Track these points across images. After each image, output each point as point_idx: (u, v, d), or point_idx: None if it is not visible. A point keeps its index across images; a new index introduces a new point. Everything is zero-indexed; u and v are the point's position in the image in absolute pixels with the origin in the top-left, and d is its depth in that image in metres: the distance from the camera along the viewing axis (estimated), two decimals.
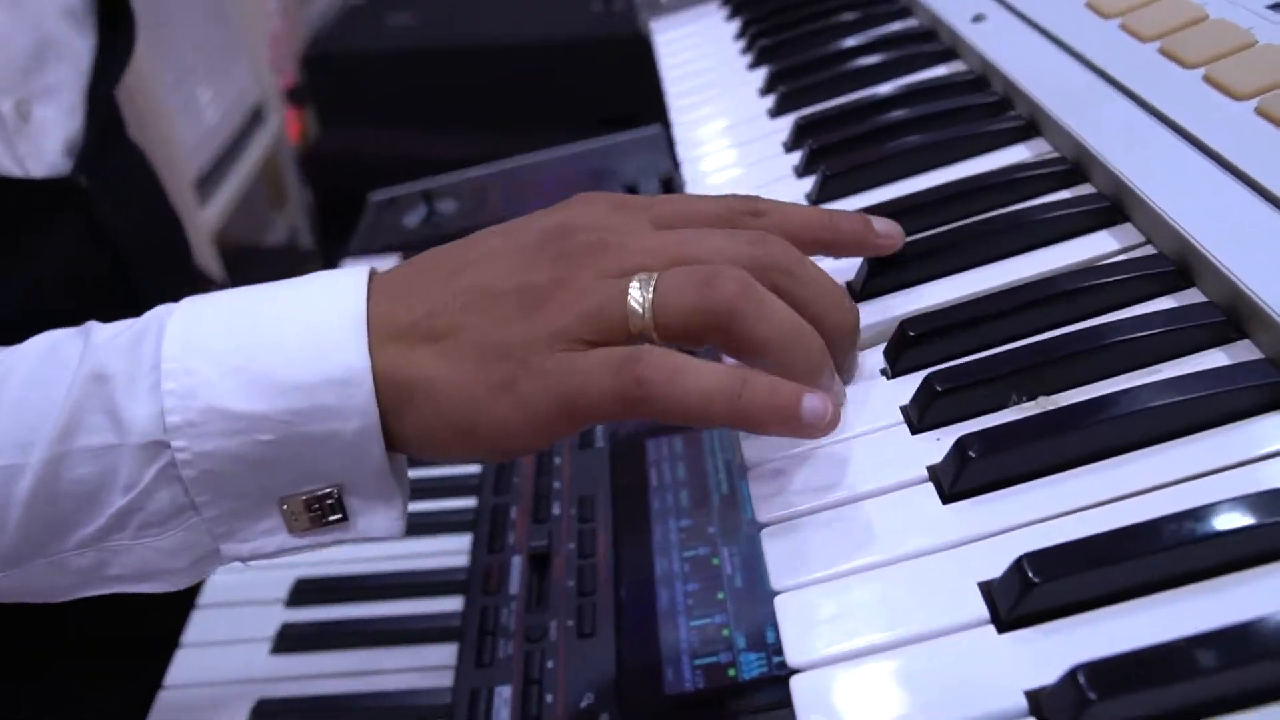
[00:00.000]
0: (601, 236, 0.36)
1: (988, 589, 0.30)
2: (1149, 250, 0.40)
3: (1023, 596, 0.28)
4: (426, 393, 0.34)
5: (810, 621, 0.31)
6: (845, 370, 0.39)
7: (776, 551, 0.33)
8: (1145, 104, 0.45)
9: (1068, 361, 0.35)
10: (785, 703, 0.29)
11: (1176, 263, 0.38)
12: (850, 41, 0.65)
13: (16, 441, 0.34)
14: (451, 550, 0.64)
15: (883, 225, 0.42)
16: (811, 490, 0.35)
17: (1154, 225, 0.39)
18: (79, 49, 0.63)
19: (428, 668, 0.57)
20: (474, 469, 0.68)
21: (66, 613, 0.54)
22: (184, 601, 0.63)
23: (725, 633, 0.52)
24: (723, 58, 0.71)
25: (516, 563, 0.60)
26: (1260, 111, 0.41)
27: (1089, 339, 0.36)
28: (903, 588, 0.31)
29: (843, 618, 0.30)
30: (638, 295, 0.33)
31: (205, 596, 0.64)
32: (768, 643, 0.51)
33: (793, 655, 0.30)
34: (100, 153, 0.64)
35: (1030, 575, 0.28)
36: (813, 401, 0.32)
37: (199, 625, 0.62)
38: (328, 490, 0.35)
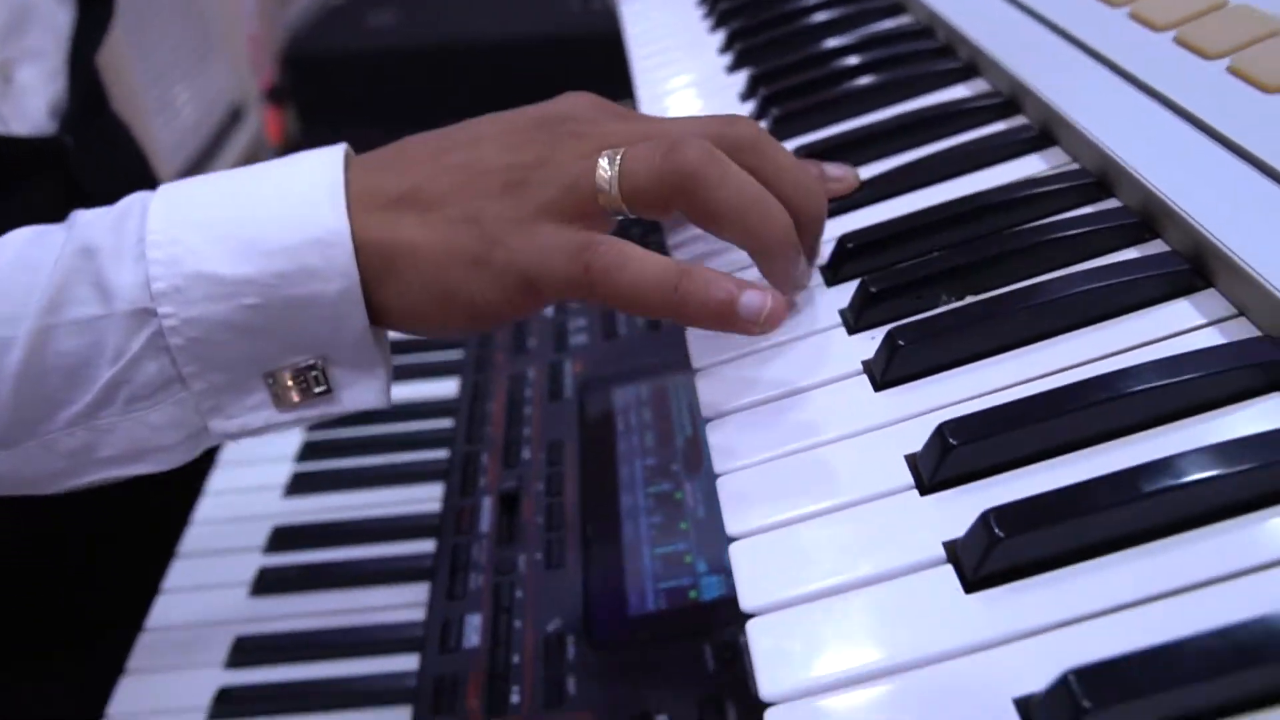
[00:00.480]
0: (582, 125, 0.38)
1: (914, 460, 0.32)
2: (1074, 168, 0.42)
3: (942, 460, 0.31)
4: (408, 259, 0.35)
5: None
6: (811, 255, 0.40)
7: (720, 448, 0.35)
8: (1071, 38, 0.47)
9: (993, 263, 0.38)
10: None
11: (1097, 175, 0.40)
12: (803, 3, 0.67)
13: (3, 317, 0.35)
14: (425, 499, 0.66)
15: (836, 169, 0.44)
16: (754, 386, 0.37)
17: (1078, 145, 0.42)
18: (59, 16, 0.65)
19: (402, 605, 0.59)
20: (447, 404, 0.70)
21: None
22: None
23: (688, 559, 0.54)
24: (685, 23, 0.74)
25: (487, 504, 0.62)
26: (1178, 40, 0.44)
27: (1012, 241, 0.38)
28: (841, 468, 0.33)
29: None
30: (605, 167, 0.35)
31: (186, 545, 0.65)
32: (728, 566, 0.53)
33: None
34: (84, 118, 0.66)
35: (949, 439, 0.30)
36: (750, 297, 0.34)
37: (179, 572, 0.64)
38: (311, 362, 0.36)
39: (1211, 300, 0.34)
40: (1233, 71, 0.40)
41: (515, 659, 0.51)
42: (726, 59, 0.65)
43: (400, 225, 0.36)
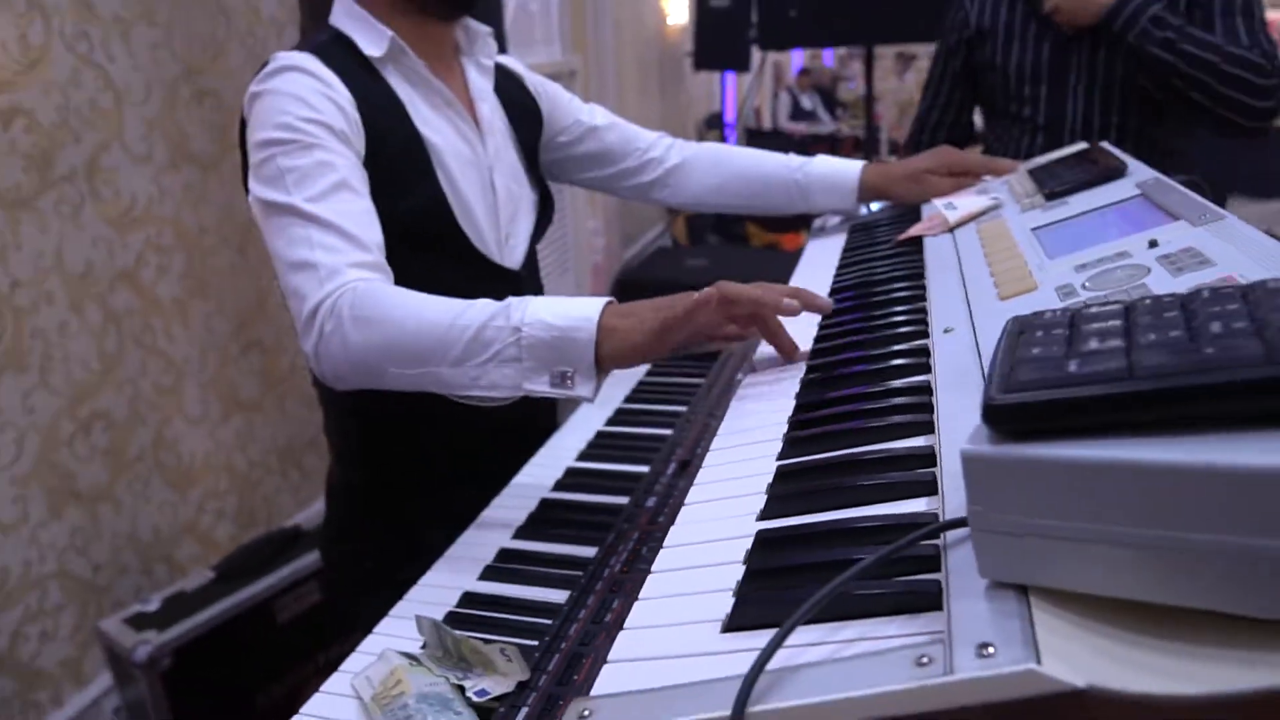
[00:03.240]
0: (695, 297, 0.86)
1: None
2: None
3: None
4: (613, 332, 0.84)
5: None
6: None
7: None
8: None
9: None
10: None
11: None
12: None
13: (466, 322, 0.84)
14: None
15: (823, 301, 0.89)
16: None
17: None
18: (531, 202, 1.22)
19: None
20: None
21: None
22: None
23: None
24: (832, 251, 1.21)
25: None
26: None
27: None
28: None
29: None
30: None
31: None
32: None
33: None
34: (530, 265, 1.23)
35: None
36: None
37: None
38: (569, 370, 0.85)
39: None
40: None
41: None
42: None
43: (617, 322, 0.84)
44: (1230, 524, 0.30)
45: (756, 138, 7.68)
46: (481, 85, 1.12)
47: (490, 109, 1.12)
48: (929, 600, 0.39)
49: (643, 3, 5.58)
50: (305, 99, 0.92)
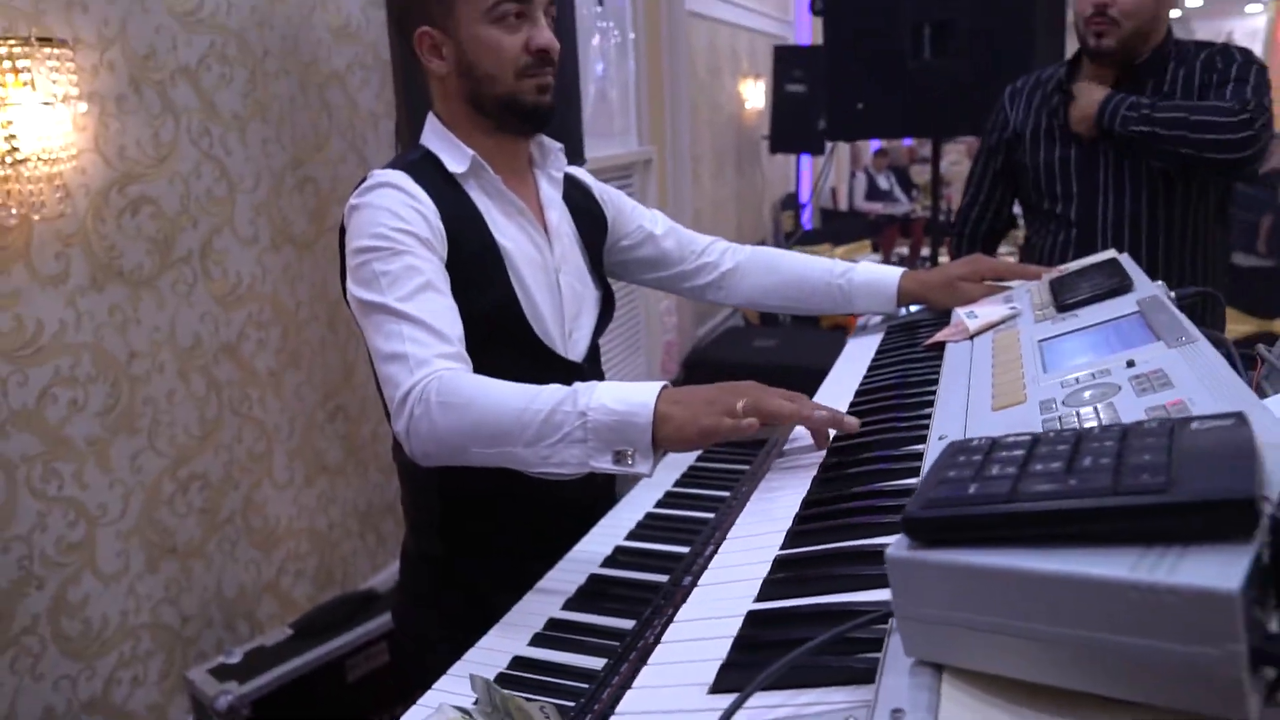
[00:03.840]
0: (742, 391, 0.95)
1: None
2: None
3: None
4: (667, 418, 0.94)
5: None
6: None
7: None
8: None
9: None
10: None
11: None
12: None
13: (539, 406, 0.96)
14: None
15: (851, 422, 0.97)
16: None
17: None
18: (592, 305, 1.34)
19: None
20: None
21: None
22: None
23: None
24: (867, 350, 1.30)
25: None
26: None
27: None
28: None
29: None
30: (742, 405, 0.93)
31: None
32: None
33: None
34: (592, 356, 1.33)
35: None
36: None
37: None
38: (629, 450, 0.94)
39: None
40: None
41: None
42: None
43: (670, 409, 0.94)
44: (1081, 621, 0.38)
45: (832, 218, 7.80)
46: (551, 194, 1.25)
47: (558, 216, 1.25)
48: (868, 674, 0.47)
49: (720, 89, 5.79)
50: (396, 211, 1.06)
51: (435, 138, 1.19)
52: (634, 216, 1.39)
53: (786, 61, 5.70)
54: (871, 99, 3.16)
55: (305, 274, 2.36)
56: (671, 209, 4.22)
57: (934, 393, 0.92)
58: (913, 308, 1.38)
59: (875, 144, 8.84)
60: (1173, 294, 1.07)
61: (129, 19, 1.86)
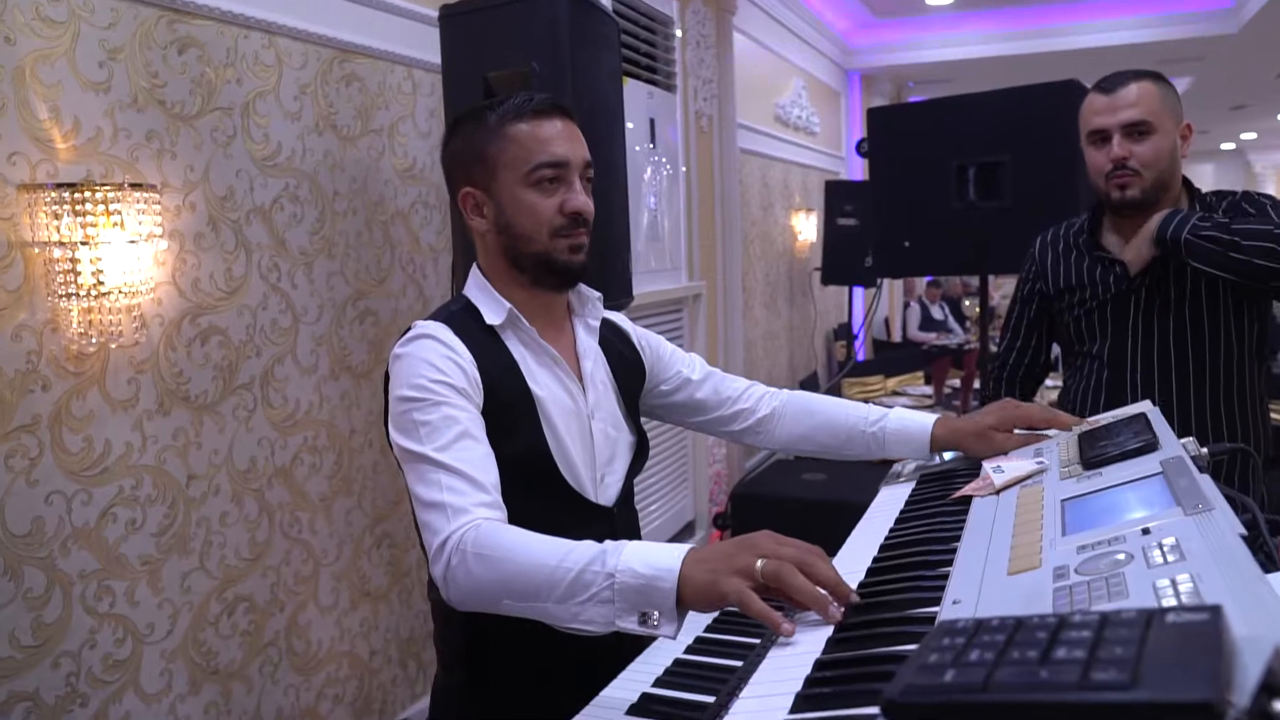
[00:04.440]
0: (760, 548, 0.95)
1: None
2: None
3: None
4: (690, 581, 0.94)
5: None
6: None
7: None
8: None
9: None
10: None
11: None
12: None
13: (570, 565, 0.97)
14: None
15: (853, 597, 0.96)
16: None
17: None
18: (626, 450, 1.37)
19: None
20: None
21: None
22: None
23: None
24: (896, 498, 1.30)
25: None
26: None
27: None
28: None
29: None
30: (760, 566, 0.92)
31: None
32: None
33: None
34: (624, 500, 1.36)
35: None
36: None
37: None
38: (653, 612, 0.94)
39: None
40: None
41: None
42: None
43: (693, 570, 0.95)
44: None
45: (884, 348, 7.81)
46: (587, 342, 1.31)
47: (593, 364, 1.30)
48: None
49: (773, 223, 5.94)
50: (434, 363, 1.12)
51: (476, 289, 1.26)
52: (672, 362, 1.44)
53: (838, 196, 5.84)
54: (917, 237, 3.23)
55: (362, 401, 2.44)
56: (722, 342, 4.28)
57: (954, 551, 0.92)
58: (947, 455, 1.39)
59: (929, 275, 8.92)
60: (1205, 450, 1.07)
61: (213, 164, 2.02)
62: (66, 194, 1.66)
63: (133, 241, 1.75)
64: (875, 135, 3.40)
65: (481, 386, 1.16)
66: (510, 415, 1.18)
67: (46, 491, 1.71)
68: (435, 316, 1.22)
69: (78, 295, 1.71)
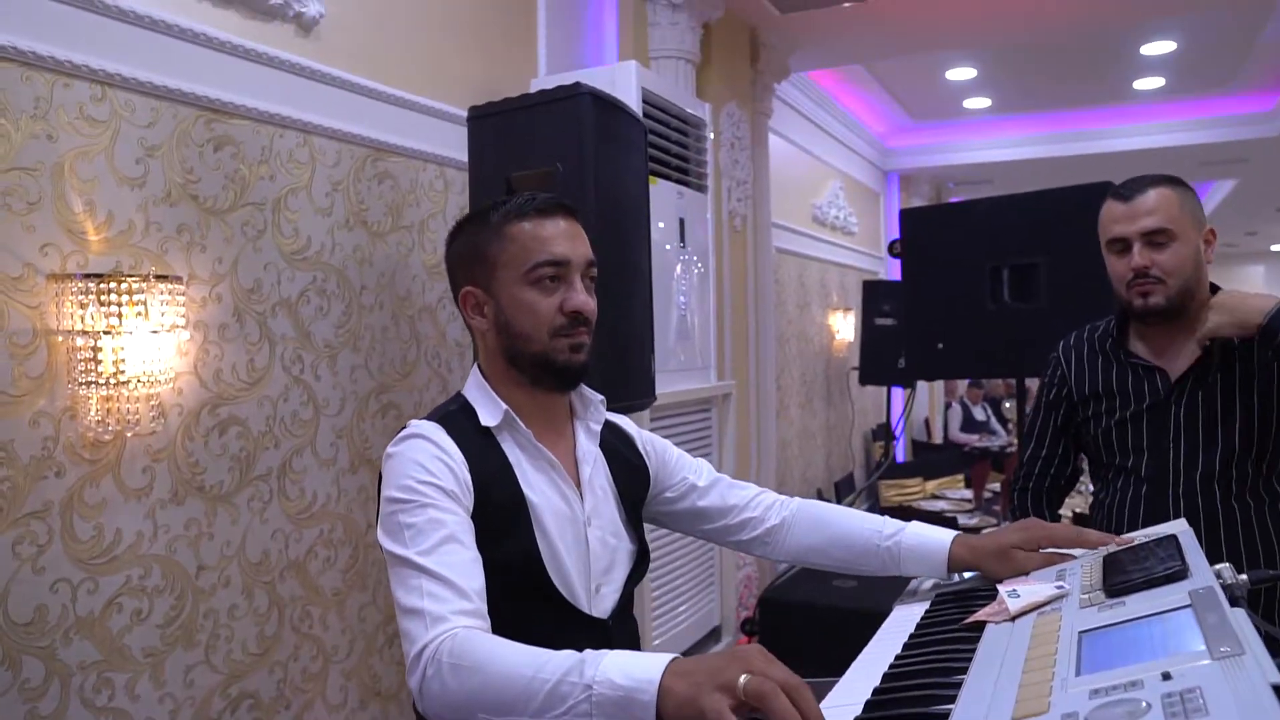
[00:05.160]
0: (746, 663, 0.89)
1: None
2: None
3: None
4: (671, 694, 0.87)
5: None
6: None
7: None
8: None
9: None
10: None
11: None
12: None
13: (546, 676, 0.91)
14: None
15: None
16: None
17: None
18: (625, 559, 1.31)
19: None
20: None
21: None
22: None
23: None
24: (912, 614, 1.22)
25: None
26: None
27: None
28: None
29: None
30: (743, 682, 0.86)
31: None
32: None
33: None
34: (621, 612, 1.30)
35: None
36: None
37: None
38: None
39: None
40: None
41: None
42: None
43: (673, 683, 0.88)
44: None
45: (924, 449, 7.66)
46: (588, 447, 1.27)
47: (592, 469, 1.27)
48: None
49: (809, 322, 5.92)
50: (424, 464, 1.09)
51: (475, 389, 1.24)
52: (678, 468, 1.39)
53: (876, 296, 5.82)
54: (951, 339, 3.17)
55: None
56: (755, 441, 4.22)
57: (959, 686, 0.86)
58: (966, 575, 1.32)
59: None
60: (1244, 576, 0.99)
61: (241, 257, 2.05)
62: (93, 284, 1.69)
63: (155, 331, 1.77)
64: (908, 236, 3.38)
65: (473, 489, 1.12)
66: (502, 519, 1.14)
67: (52, 579, 1.69)
68: (431, 416, 1.20)
69: (97, 383, 1.72)
